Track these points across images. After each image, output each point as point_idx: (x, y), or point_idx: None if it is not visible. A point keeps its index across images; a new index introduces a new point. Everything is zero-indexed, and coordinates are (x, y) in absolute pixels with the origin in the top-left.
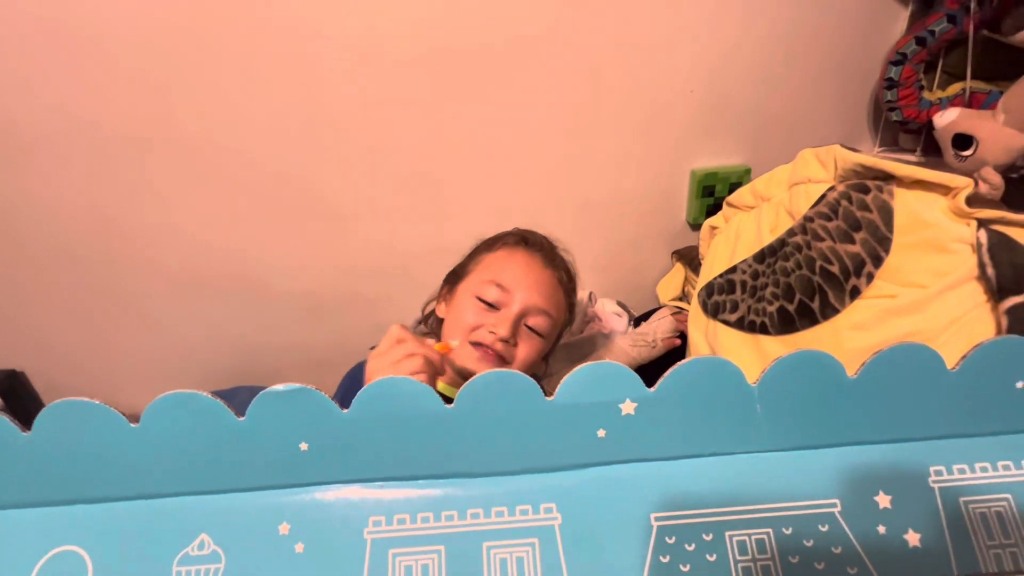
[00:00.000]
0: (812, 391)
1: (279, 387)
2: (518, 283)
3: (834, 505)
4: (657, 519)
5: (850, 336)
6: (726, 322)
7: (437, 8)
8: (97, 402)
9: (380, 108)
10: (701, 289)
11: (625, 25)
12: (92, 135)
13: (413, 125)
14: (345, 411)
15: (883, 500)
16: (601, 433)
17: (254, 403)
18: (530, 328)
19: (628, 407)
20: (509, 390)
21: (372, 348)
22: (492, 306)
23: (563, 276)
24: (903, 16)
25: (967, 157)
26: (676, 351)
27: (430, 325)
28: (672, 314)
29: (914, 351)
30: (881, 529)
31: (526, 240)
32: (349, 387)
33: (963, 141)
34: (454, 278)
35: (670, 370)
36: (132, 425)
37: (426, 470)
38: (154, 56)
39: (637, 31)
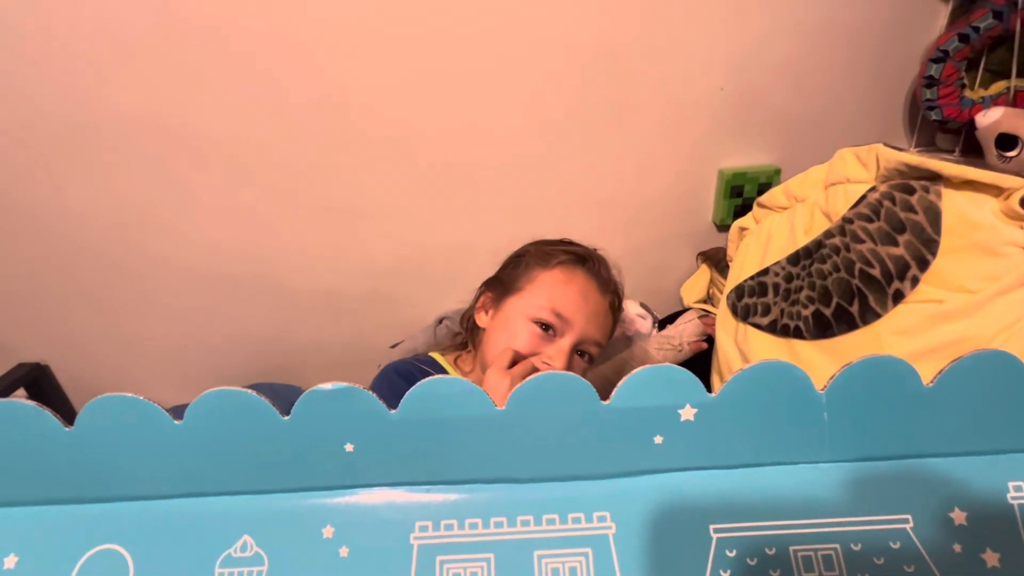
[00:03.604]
0: (884, 399)
1: (325, 386)
2: (577, 313)
3: (906, 521)
4: (716, 531)
5: (893, 342)
6: (757, 326)
7: (457, 2)
8: (141, 398)
9: (400, 105)
10: (730, 291)
11: (650, 19)
12: (115, 132)
13: (433, 122)
14: (393, 412)
15: (959, 517)
16: (658, 439)
17: (299, 402)
18: (580, 354)
19: (688, 413)
20: (563, 393)
21: (392, 346)
22: (546, 331)
23: (615, 301)
24: (942, 12)
25: (1011, 158)
26: (703, 355)
27: (467, 330)
28: (698, 317)
29: (995, 358)
30: (956, 548)
31: (584, 260)
32: (385, 386)
33: (1007, 141)
34: (500, 288)
35: (733, 375)
36: (176, 422)
37: (475, 474)
38: (175, 52)
39: (662, 25)
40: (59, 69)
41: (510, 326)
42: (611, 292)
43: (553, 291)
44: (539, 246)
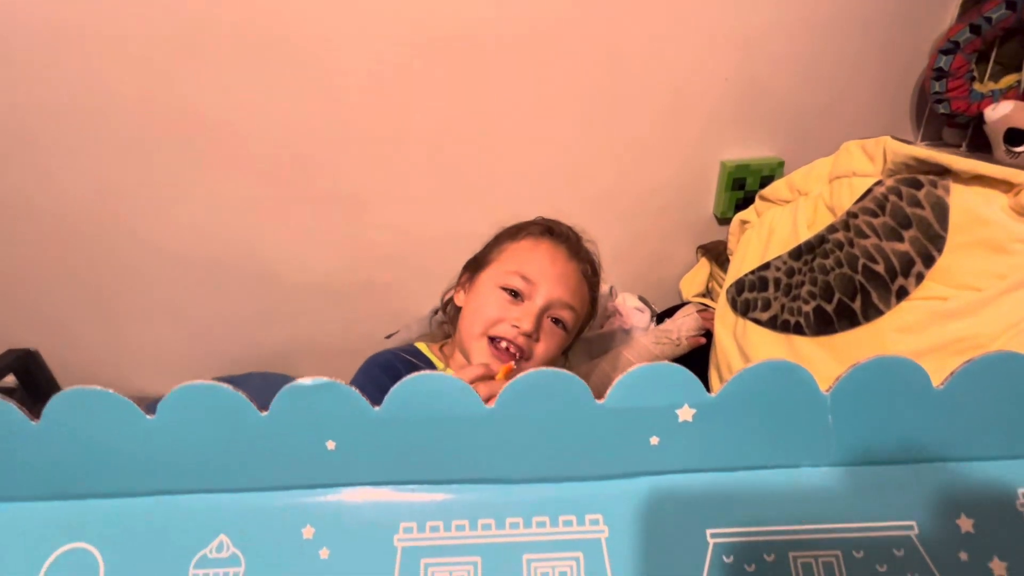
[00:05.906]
0: (892, 401)
1: (305, 380)
2: (543, 275)
3: (911, 528)
4: (713, 535)
5: (895, 339)
6: (757, 321)
7: None
8: (111, 391)
9: (395, 93)
10: (730, 286)
11: (653, 6)
12: (108, 118)
13: (428, 111)
14: (376, 408)
15: (965, 524)
16: (654, 440)
17: (278, 397)
18: (553, 322)
19: (686, 413)
20: (556, 390)
21: (387, 336)
22: (515, 297)
23: (588, 269)
24: (953, 1)
25: (1020, 153)
26: (701, 350)
27: (448, 313)
28: (697, 311)
29: (1008, 361)
30: (963, 556)
31: (551, 230)
32: (366, 380)
33: (1017, 136)
34: (475, 266)
35: (735, 375)
36: (148, 417)
37: (463, 474)
38: (166, 41)
39: (665, 13)
40: (51, 53)
41: (480, 296)
42: (582, 260)
43: (520, 257)
44: (513, 224)
